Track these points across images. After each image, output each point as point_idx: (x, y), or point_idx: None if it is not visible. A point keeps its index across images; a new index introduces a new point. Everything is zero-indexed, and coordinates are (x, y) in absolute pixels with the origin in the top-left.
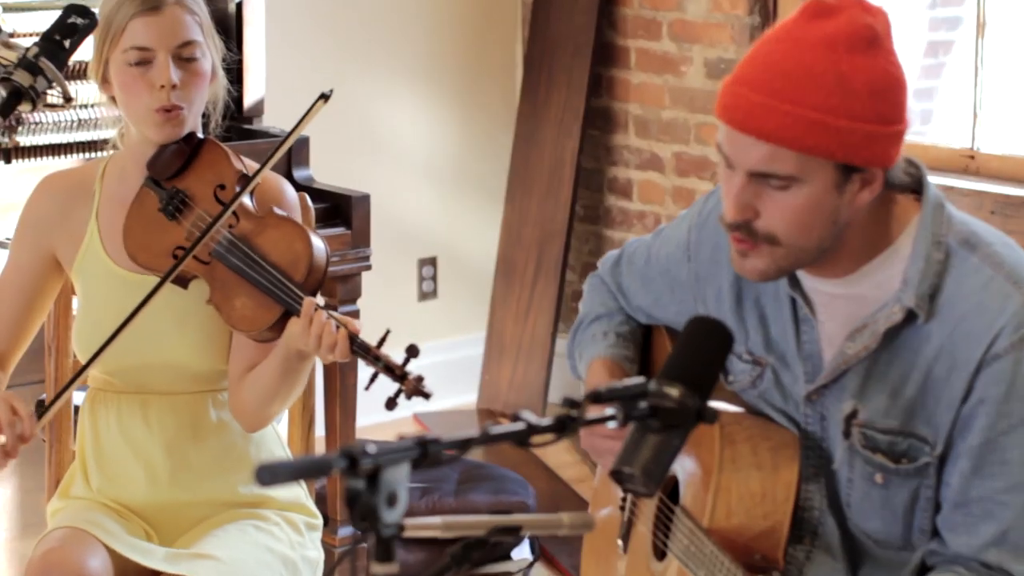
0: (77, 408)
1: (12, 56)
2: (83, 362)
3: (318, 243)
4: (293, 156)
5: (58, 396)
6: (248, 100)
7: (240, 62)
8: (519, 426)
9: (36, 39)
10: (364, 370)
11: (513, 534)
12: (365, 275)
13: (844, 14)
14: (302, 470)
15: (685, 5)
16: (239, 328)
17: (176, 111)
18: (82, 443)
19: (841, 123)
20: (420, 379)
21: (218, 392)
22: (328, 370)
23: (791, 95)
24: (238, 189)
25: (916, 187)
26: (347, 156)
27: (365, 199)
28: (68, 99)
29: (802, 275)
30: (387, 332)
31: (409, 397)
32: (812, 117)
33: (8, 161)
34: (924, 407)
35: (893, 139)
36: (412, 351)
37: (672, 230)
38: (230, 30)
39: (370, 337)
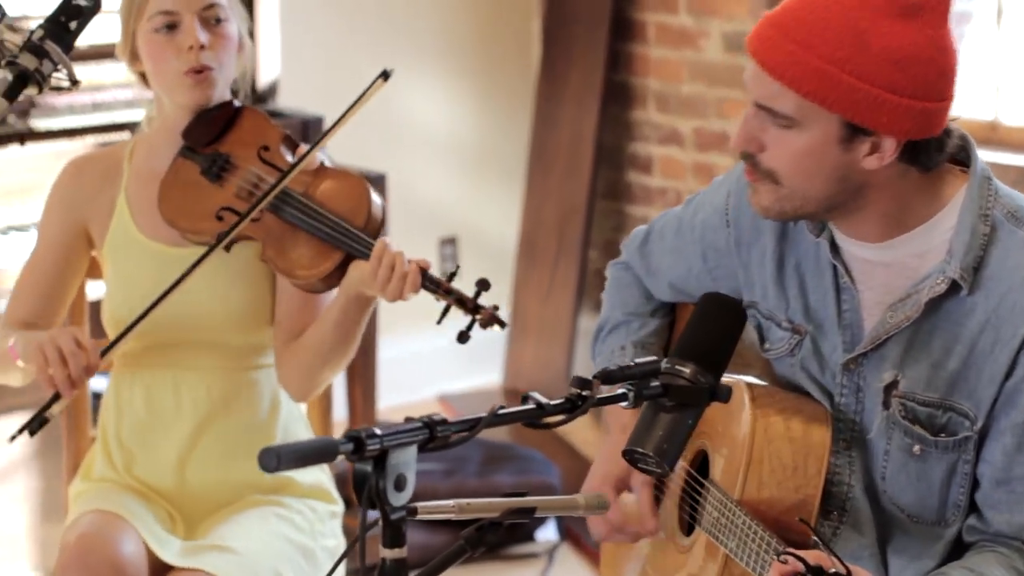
0: (96, 395)
1: (17, 39)
2: (112, 336)
3: (373, 191)
4: (309, 136)
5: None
6: (262, 80)
7: (253, 41)
8: (529, 407)
9: (41, 21)
10: (435, 306)
11: (528, 516)
12: None
13: None
14: (307, 454)
15: None
16: (297, 277)
17: (206, 72)
18: (105, 424)
19: (845, 78)
20: (496, 307)
21: (249, 370)
22: None
23: (803, 37)
24: (283, 149)
25: (965, 160)
26: (364, 136)
27: (380, 179)
28: (74, 82)
29: (840, 239)
30: (457, 267)
31: (484, 327)
32: (815, 64)
33: (23, 144)
34: (966, 380)
35: (908, 112)
36: (483, 284)
37: (707, 195)
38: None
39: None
